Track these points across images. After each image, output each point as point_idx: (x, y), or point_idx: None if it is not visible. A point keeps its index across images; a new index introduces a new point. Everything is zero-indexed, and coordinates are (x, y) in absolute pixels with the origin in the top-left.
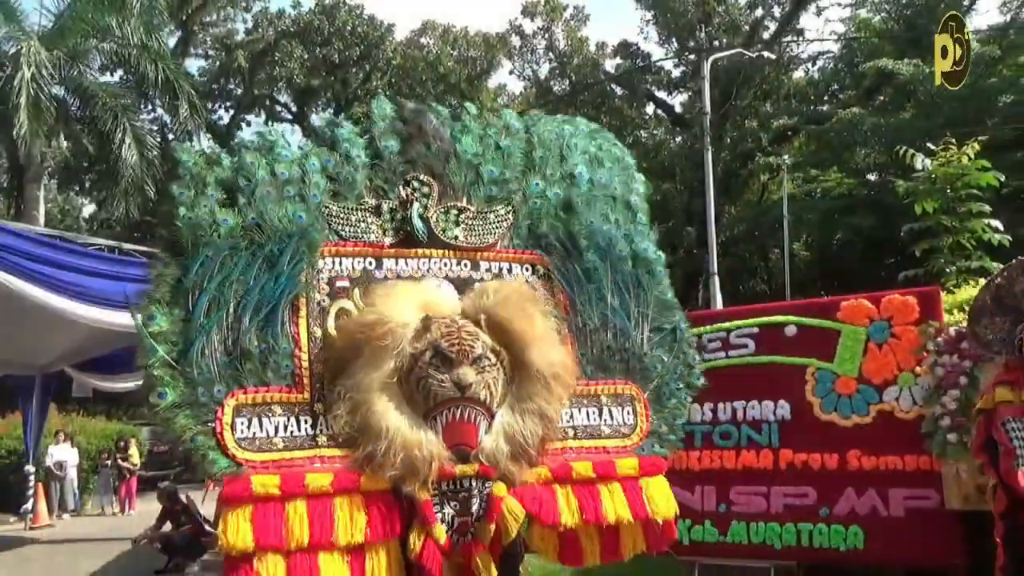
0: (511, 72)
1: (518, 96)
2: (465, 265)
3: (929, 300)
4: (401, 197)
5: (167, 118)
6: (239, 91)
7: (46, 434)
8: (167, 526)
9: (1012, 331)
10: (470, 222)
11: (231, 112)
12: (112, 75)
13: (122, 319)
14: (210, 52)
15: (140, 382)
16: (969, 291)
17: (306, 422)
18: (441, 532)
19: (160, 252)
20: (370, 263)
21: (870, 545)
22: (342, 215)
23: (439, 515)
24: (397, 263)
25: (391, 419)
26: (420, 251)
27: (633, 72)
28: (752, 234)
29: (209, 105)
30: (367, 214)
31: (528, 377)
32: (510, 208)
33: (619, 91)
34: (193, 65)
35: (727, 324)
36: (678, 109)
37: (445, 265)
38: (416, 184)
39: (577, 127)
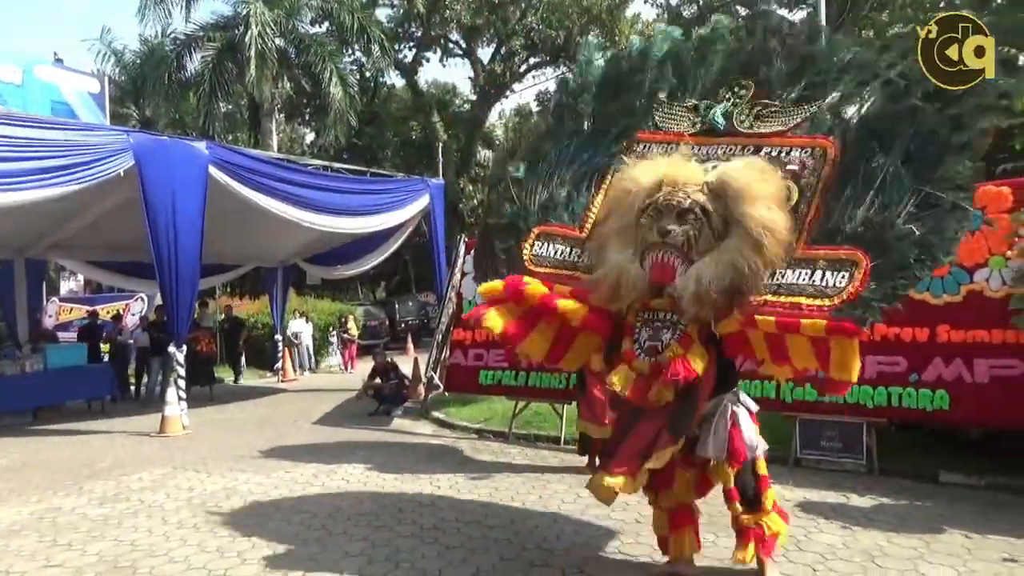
0: (645, 1)
1: (651, 22)
2: (748, 150)
3: (1023, 190)
4: (719, 97)
5: (363, 59)
6: (419, 33)
7: (287, 312)
8: (378, 381)
9: None
10: (770, 115)
11: (413, 51)
12: (320, 27)
13: (333, 223)
14: (394, 1)
15: (353, 271)
16: None
17: (576, 252)
18: (629, 343)
19: (541, 129)
20: (671, 147)
21: (955, 407)
22: (665, 111)
23: (636, 335)
24: (689, 148)
25: (615, 255)
26: (709, 139)
27: None
28: None
29: (396, 46)
30: (685, 111)
31: (740, 232)
32: (814, 108)
33: (743, 11)
34: (381, 14)
35: None
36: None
37: (729, 150)
38: (736, 87)
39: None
